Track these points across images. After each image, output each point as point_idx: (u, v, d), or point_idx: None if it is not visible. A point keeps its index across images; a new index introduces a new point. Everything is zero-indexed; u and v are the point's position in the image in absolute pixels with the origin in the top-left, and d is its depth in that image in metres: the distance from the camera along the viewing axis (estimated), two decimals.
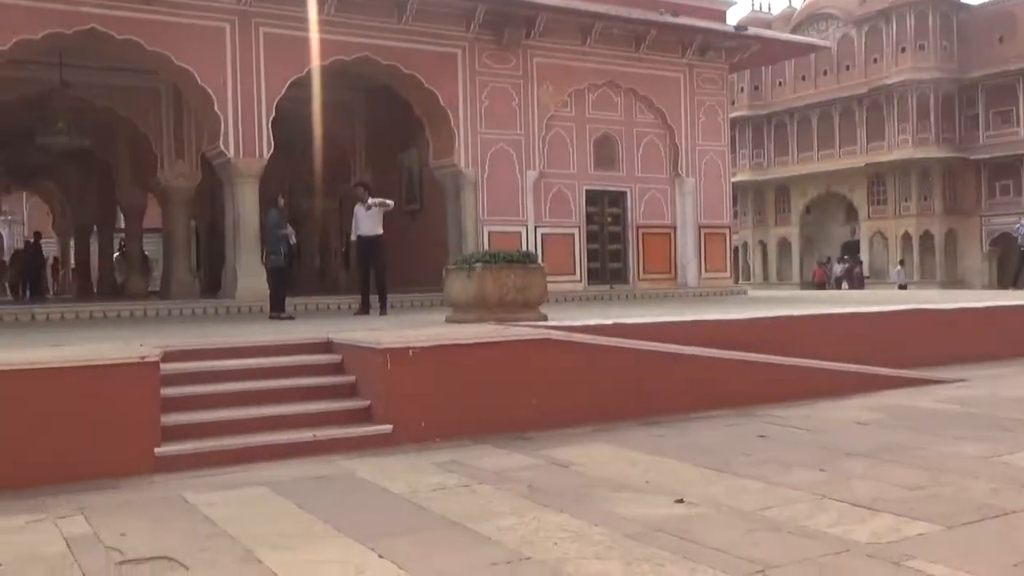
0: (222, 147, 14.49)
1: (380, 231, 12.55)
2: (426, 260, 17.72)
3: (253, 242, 14.37)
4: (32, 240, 26.59)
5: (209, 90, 14.32)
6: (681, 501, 5.33)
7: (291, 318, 11.74)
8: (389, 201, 12.78)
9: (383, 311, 12.52)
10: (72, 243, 31.00)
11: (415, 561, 4.29)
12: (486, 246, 15.71)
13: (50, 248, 34.65)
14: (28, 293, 25.74)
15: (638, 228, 18.72)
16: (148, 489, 5.97)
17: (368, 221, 12.40)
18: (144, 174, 20.15)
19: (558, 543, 4.55)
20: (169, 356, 7.22)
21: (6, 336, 9.46)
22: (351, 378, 7.84)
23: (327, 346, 8.26)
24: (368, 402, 7.59)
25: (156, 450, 6.47)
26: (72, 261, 31.18)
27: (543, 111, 17.19)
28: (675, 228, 19.14)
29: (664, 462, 6.50)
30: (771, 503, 5.25)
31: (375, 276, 12.72)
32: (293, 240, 12.17)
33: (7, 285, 29.47)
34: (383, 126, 19.53)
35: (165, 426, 6.67)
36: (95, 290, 26.44)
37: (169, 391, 6.94)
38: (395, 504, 5.47)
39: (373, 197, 12.83)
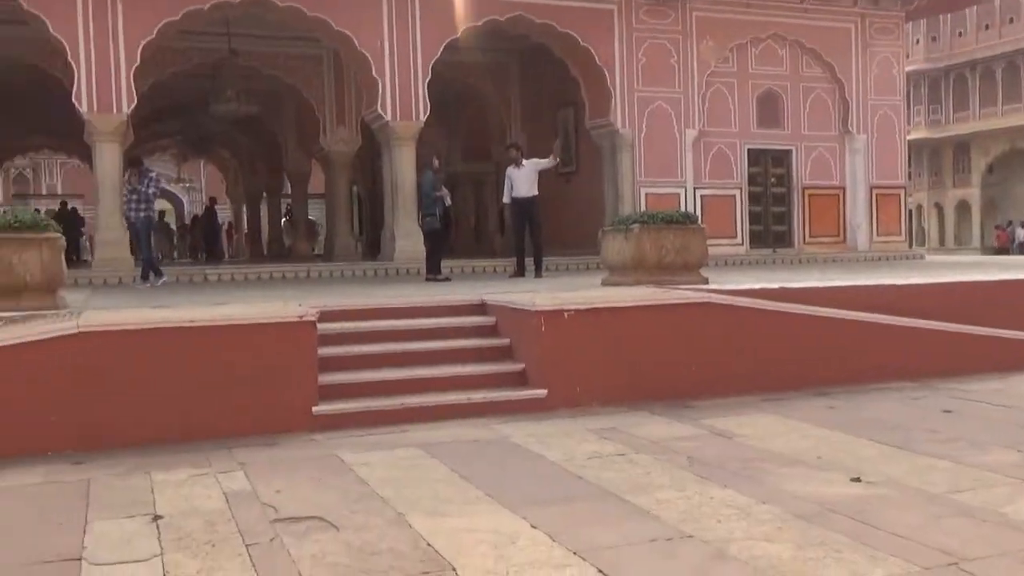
0: (380, 110, 14.62)
1: (536, 192, 12.35)
2: (582, 223, 17.44)
3: (410, 205, 14.47)
4: (208, 206, 27.86)
5: (367, 54, 14.44)
6: (858, 480, 4.89)
7: (447, 280, 11.73)
8: (550, 160, 12.53)
9: (538, 274, 12.36)
10: (244, 209, 32.49)
11: (568, 533, 4.07)
12: (643, 208, 15.27)
13: (224, 214, 36.47)
14: (205, 256, 27.05)
15: (804, 189, 17.79)
16: (305, 447, 6.00)
17: (524, 182, 12.22)
18: (308, 141, 20.69)
19: (722, 520, 4.24)
20: (326, 316, 7.26)
21: (181, 295, 9.82)
22: (505, 341, 7.69)
23: (481, 308, 8.14)
24: (522, 365, 7.42)
25: (314, 408, 6.51)
26: (244, 226, 32.64)
27: (703, 67, 16.49)
28: (844, 189, 18.07)
29: (837, 436, 6.03)
30: (962, 486, 4.74)
31: (530, 238, 12.55)
32: (448, 202, 12.12)
33: (187, 248, 31.15)
34: (538, 87, 19.29)
35: (323, 385, 6.70)
36: (265, 253, 27.53)
37: (326, 350, 6.97)
38: (549, 471, 5.27)
39: (527, 158, 12.63)
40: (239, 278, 13.59)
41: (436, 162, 12.06)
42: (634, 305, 7.57)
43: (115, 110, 13.24)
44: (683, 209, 15.32)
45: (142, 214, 11.99)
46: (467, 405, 6.92)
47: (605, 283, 9.79)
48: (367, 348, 7.32)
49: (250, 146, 28.45)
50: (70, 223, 22.19)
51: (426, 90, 14.80)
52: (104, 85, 13.17)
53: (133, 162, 12.81)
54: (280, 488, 4.93)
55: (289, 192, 26.37)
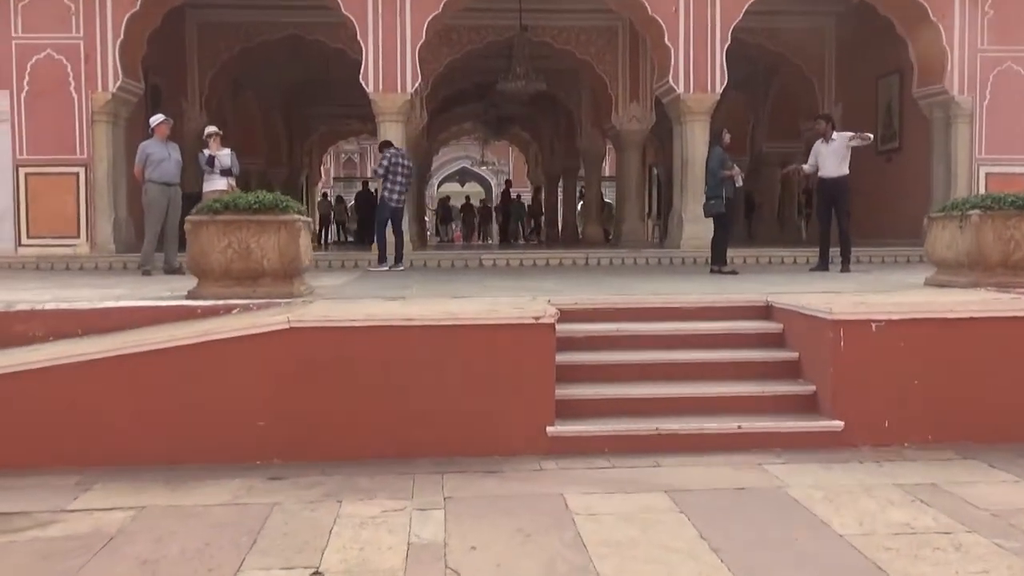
0: (671, 82, 13.30)
1: (846, 172, 10.49)
2: (903, 208, 15.10)
3: (700, 186, 12.98)
4: (504, 188, 27.92)
5: (659, 19, 13.17)
6: None
7: (734, 272, 10.23)
8: (868, 135, 10.65)
9: (845, 267, 10.51)
10: (543, 191, 32.42)
11: None
12: (982, 191, 12.77)
13: (528, 196, 36.82)
14: (499, 238, 27.12)
15: None
16: (529, 480, 4.95)
17: (832, 159, 10.41)
18: (602, 119, 19.77)
19: None
20: (572, 315, 6.19)
21: (439, 282, 9.20)
22: (793, 354, 6.19)
23: (766, 311, 6.67)
24: (813, 387, 5.91)
25: (548, 429, 5.45)
26: (542, 209, 32.56)
27: None
28: None
29: None
30: None
31: (838, 225, 10.71)
32: (739, 182, 10.57)
33: (484, 231, 31.59)
34: (856, 53, 16.96)
35: (562, 400, 5.63)
36: (559, 237, 27.13)
37: (569, 357, 5.90)
38: (834, 554, 3.82)
39: (839, 132, 10.79)
40: (514, 263, 12.91)
41: (727, 136, 10.55)
42: (971, 316, 5.77)
43: (399, 89, 13.00)
44: None
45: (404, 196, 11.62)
46: (738, 435, 5.55)
47: (930, 283, 7.90)
48: (618, 356, 6.15)
49: (548, 126, 28.15)
50: (369, 204, 22.89)
51: (724, 59, 13.28)
52: (390, 63, 12.95)
53: (386, 144, 12.27)
54: (476, 544, 3.90)
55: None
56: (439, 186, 49.05)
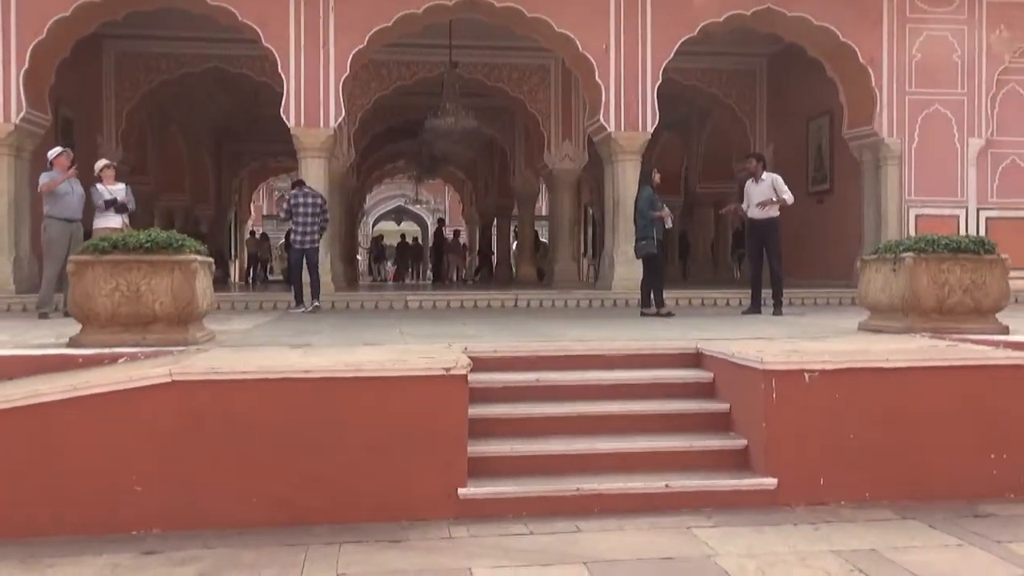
0: (602, 120, 13.06)
1: (775, 213, 10.31)
2: (835, 249, 15.06)
3: (631, 227, 12.72)
4: (436, 228, 27.49)
5: (590, 57, 12.94)
6: None
7: (670, 314, 9.92)
8: (785, 199, 10.33)
9: (777, 310, 10.26)
10: (478, 230, 32.10)
11: None
12: (911, 233, 12.76)
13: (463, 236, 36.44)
14: (432, 278, 26.66)
15: None
16: (435, 551, 4.46)
17: (760, 200, 10.23)
18: (535, 158, 19.55)
19: None
20: (488, 364, 5.77)
21: (351, 326, 8.71)
22: (724, 405, 5.82)
23: (696, 359, 6.31)
24: (745, 441, 5.54)
25: (460, 491, 4.98)
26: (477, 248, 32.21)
27: (994, 63, 13.61)
28: None
29: None
30: None
31: (769, 267, 10.50)
32: (669, 223, 10.30)
33: (418, 270, 31.08)
34: (787, 95, 17.03)
35: (476, 457, 5.17)
36: (490, 276, 26.77)
37: (483, 410, 5.45)
38: None
39: (769, 172, 10.62)
40: (441, 304, 12.45)
41: (657, 176, 10.28)
42: (908, 366, 5.47)
43: (322, 124, 12.53)
44: (963, 234, 12.63)
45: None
46: (665, 495, 5.14)
47: (864, 328, 7.67)
48: (538, 408, 5.70)
49: (483, 165, 27.91)
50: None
51: (655, 97, 13.10)
52: (312, 97, 12.49)
53: (298, 183, 12.00)
54: None
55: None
56: (375, 224, 48.46)
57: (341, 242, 20.53)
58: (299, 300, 11.37)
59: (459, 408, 5.07)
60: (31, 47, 11.90)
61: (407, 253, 31.99)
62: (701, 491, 5.20)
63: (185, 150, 23.23)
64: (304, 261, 11.33)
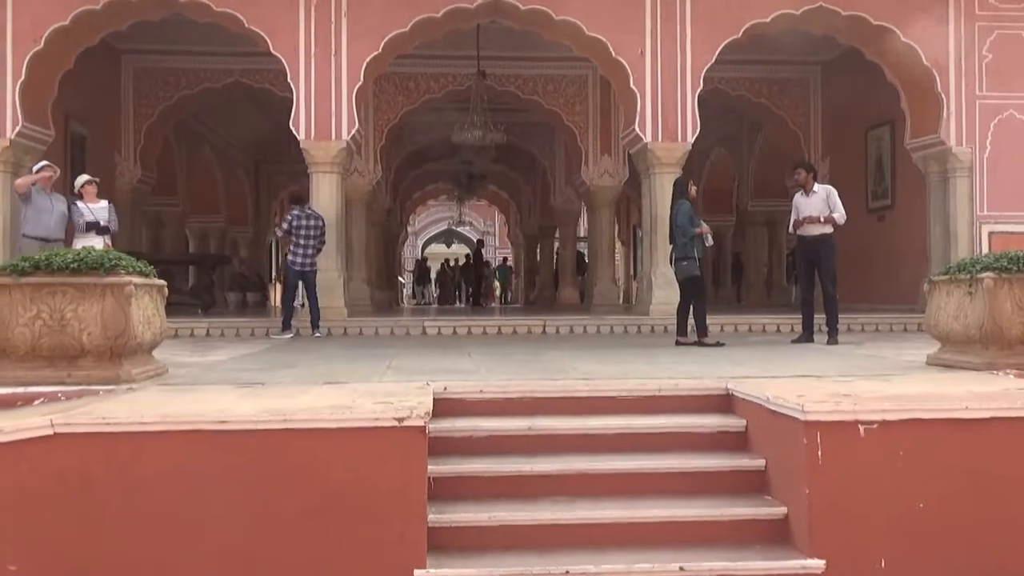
0: (638, 130, 11.99)
1: (829, 229, 9.13)
2: (897, 270, 13.77)
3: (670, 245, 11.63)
4: (476, 249, 26.61)
5: (624, 63, 11.89)
6: None
7: (718, 344, 8.76)
8: (839, 216, 9.12)
9: (832, 339, 9.05)
10: (523, 250, 31.16)
11: None
12: (984, 251, 11.43)
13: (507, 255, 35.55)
14: (470, 301, 25.73)
15: None
16: None
17: (811, 215, 9.07)
18: (573, 175, 18.54)
19: None
20: (472, 407, 4.78)
21: (337, 358, 7.73)
22: (758, 462, 4.71)
23: (726, 402, 5.20)
24: (784, 509, 4.42)
25: (417, 573, 3.94)
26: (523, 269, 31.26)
27: None
28: None
29: None
30: None
31: (822, 290, 9.30)
32: (709, 241, 9.18)
33: (457, 294, 30.21)
34: (843, 104, 15.75)
35: (439, 527, 4.15)
36: (531, 300, 25.77)
37: (458, 467, 4.45)
38: None
39: (820, 184, 9.46)
40: (461, 331, 11.43)
41: (693, 188, 9.18)
42: (993, 416, 4.31)
43: (334, 136, 11.65)
44: None
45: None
46: None
47: (933, 362, 6.47)
48: (528, 465, 4.64)
49: (526, 184, 26.94)
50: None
51: (696, 105, 11.99)
52: (323, 108, 11.62)
53: (295, 199, 11.33)
54: None
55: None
56: (424, 247, 47.83)
57: (372, 264, 19.73)
58: (287, 325, 10.66)
59: (415, 467, 4.04)
60: (28, 58, 11.20)
61: (448, 276, 31.11)
62: (727, 575, 4.09)
63: (219, 170, 22.65)
64: (302, 284, 10.71)
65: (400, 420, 4.00)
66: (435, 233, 49.31)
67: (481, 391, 5.10)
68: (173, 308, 14.64)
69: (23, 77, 11.24)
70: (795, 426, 4.28)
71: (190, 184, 20.51)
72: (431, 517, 4.18)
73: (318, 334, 10.65)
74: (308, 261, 10.68)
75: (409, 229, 44.79)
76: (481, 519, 4.31)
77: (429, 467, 4.44)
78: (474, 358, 7.27)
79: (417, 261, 35.98)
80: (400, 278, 31.37)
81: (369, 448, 4.00)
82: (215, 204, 22.95)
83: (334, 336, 10.97)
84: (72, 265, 5.21)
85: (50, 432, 3.88)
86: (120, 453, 3.89)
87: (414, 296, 32.86)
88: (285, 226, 10.83)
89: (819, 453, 4.18)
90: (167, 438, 3.92)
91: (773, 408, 4.54)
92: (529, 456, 4.74)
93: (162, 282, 5.93)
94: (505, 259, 37.42)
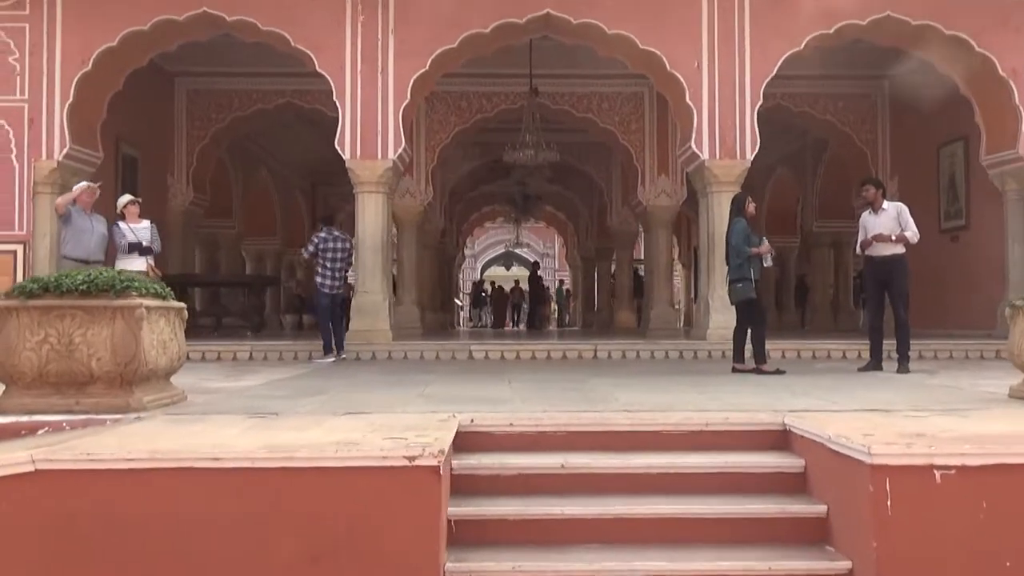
0: (694, 147, 11.49)
1: (901, 249, 8.53)
2: (973, 294, 13.01)
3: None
4: (532, 271, 26.21)
5: (680, 77, 11.43)
6: None
7: (778, 372, 8.20)
8: (911, 234, 8.50)
9: (903, 367, 8.43)
10: (580, 273, 30.73)
11: None
12: None
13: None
14: (522, 324, 25.31)
15: None
16: None
17: (880, 233, 8.49)
18: (631, 195, 18.07)
19: None
20: (495, 442, 4.35)
21: (369, 384, 7.38)
22: (818, 508, 4.20)
23: (783, 438, 4.69)
24: (848, 564, 3.90)
25: None
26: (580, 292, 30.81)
27: None
28: None
29: None
30: None
31: (893, 314, 8.67)
32: (768, 262, 8.63)
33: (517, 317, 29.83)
34: (915, 117, 15.02)
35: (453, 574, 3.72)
36: (591, 323, 25.28)
37: (480, 509, 4.01)
38: None
39: (890, 201, 8.87)
40: (510, 356, 11.03)
41: (751, 206, 8.66)
42: None
43: (380, 155, 11.37)
44: None
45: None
46: None
47: (1016, 395, 5.88)
48: (558, 507, 4.19)
49: (583, 205, 26.51)
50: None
51: (755, 121, 11.47)
52: (369, 126, 11.36)
53: (327, 220, 11.22)
54: None
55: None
56: (484, 270, 47.62)
57: (425, 286, 19.46)
58: (328, 348, 10.45)
59: (428, 511, 3.63)
60: (76, 79, 11.17)
61: (504, 299, 30.74)
62: None
63: (276, 192, 22.66)
64: (331, 308, 10.57)
65: (411, 459, 3.60)
66: (494, 256, 49.11)
67: (511, 424, 4.68)
68: (226, 331, 14.79)
69: (71, 99, 11.20)
70: (861, 469, 3.77)
71: (246, 206, 20.53)
72: (448, 565, 3.76)
73: (344, 356, 10.49)
74: (338, 284, 10.61)
75: (468, 252, 44.68)
76: (504, 569, 3.88)
77: (450, 508, 4.06)
78: (513, 386, 6.85)
79: (474, 284, 35.69)
80: (457, 300, 31.07)
81: (376, 490, 3.60)
82: (271, 226, 22.96)
83: (378, 360, 10.66)
84: (82, 287, 4.94)
85: (31, 468, 3.56)
86: (104, 492, 3.56)
87: (471, 319, 32.54)
88: (311, 248, 10.71)
89: (888, 502, 3.67)
90: (155, 476, 3.57)
91: (835, 448, 4.03)
92: (561, 496, 4.30)
93: (181, 304, 5.63)
94: (562, 282, 36.96)
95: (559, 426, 4.72)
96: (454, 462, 4.35)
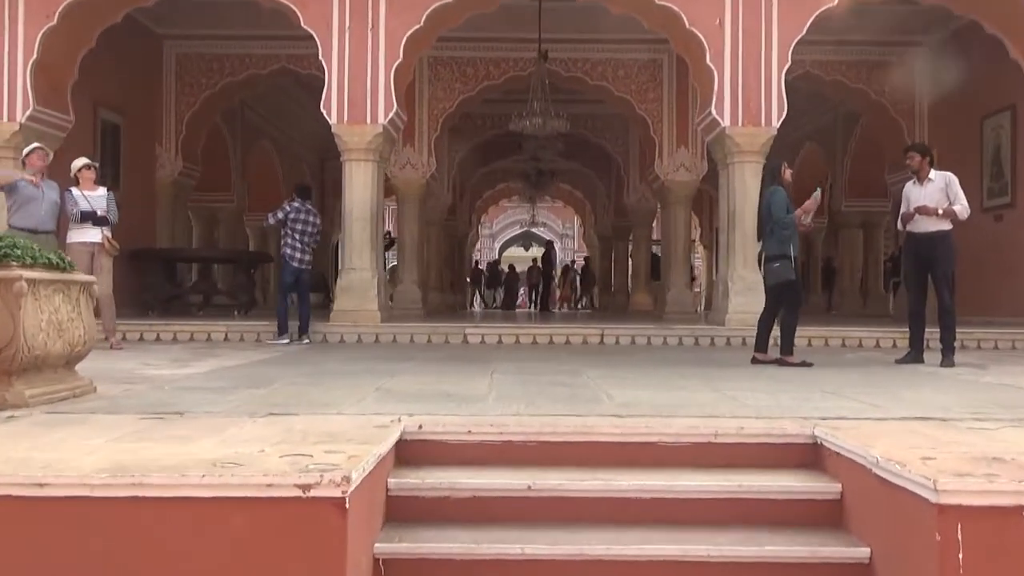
0: (715, 113, 10.43)
1: (948, 225, 7.46)
2: (1019, 278, 11.88)
3: (751, 244, 10.02)
4: (545, 251, 25.18)
5: (700, 35, 10.37)
6: None
7: (804, 364, 7.17)
8: (961, 208, 7.42)
9: (947, 359, 7.37)
10: (598, 252, 29.70)
11: None
12: None
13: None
14: (542, 306, 24.29)
15: None
16: None
17: (924, 205, 7.43)
18: (648, 170, 17.00)
19: None
20: (449, 453, 3.39)
21: (330, 373, 6.44)
22: (860, 551, 3.20)
23: (811, 453, 3.70)
24: None
25: None
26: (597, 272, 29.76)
27: None
28: None
29: None
30: None
31: (937, 299, 7.60)
32: (808, 219, 7.46)
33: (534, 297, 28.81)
34: (954, 89, 13.84)
35: None
36: (600, 305, 24.26)
37: (421, 546, 3.05)
38: None
39: (937, 170, 7.78)
40: (508, 340, 10.08)
41: (787, 171, 7.51)
42: None
43: (369, 120, 10.41)
44: None
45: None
46: None
47: None
48: (519, 545, 3.22)
49: (598, 182, 25.39)
50: None
51: (782, 85, 10.39)
52: (358, 88, 10.40)
53: (303, 191, 10.23)
54: None
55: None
56: (502, 250, 46.57)
57: (430, 265, 18.53)
58: (284, 329, 9.54)
59: (327, 556, 2.66)
60: (40, 34, 10.25)
61: (515, 280, 29.71)
62: None
63: (280, 166, 21.73)
64: (296, 285, 9.71)
65: (305, 488, 2.63)
66: (512, 235, 48.06)
67: (469, 431, 3.71)
68: (214, 310, 13.92)
69: (35, 56, 10.28)
70: (922, 508, 2.78)
71: (248, 180, 19.61)
72: None
73: (307, 340, 9.55)
74: (307, 259, 9.76)
75: (486, 231, 43.58)
76: None
77: (379, 544, 3.12)
78: (495, 377, 5.87)
79: (488, 264, 34.65)
80: (467, 280, 30.05)
81: (257, 528, 2.64)
82: (276, 201, 22.02)
83: (363, 344, 9.74)
84: None
85: None
86: None
87: (483, 300, 31.54)
88: (280, 215, 9.74)
89: (959, 555, 2.67)
90: None
91: (885, 476, 3.03)
92: (526, 528, 3.33)
93: (89, 278, 4.71)
94: (573, 262, 35.83)
95: (529, 434, 3.74)
96: (391, 481, 3.40)
